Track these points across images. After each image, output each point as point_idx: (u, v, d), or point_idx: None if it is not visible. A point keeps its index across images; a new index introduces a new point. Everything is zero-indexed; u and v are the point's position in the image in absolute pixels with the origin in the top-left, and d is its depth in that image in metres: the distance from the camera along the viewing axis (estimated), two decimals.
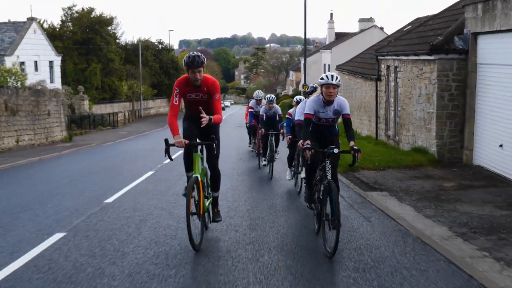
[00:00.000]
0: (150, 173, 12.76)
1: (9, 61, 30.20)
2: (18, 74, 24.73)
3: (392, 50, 17.68)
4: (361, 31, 45.47)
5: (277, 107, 12.95)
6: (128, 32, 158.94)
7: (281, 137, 12.34)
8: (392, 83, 17.87)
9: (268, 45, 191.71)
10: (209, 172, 6.81)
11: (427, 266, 5.62)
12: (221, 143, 6.66)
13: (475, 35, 13.14)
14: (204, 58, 6.31)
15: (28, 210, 8.59)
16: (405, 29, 25.32)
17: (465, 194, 10.00)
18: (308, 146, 6.45)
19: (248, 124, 15.72)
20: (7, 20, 39.22)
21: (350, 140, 6.57)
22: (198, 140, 6.57)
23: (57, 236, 6.75)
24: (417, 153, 14.64)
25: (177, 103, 6.48)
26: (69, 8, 47.24)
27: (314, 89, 9.25)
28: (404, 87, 16.34)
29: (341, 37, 49.45)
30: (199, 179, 6.27)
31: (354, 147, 6.35)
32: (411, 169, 13.06)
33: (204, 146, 6.61)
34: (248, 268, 5.46)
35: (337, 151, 6.40)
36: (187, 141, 6.28)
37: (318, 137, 6.99)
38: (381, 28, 51.49)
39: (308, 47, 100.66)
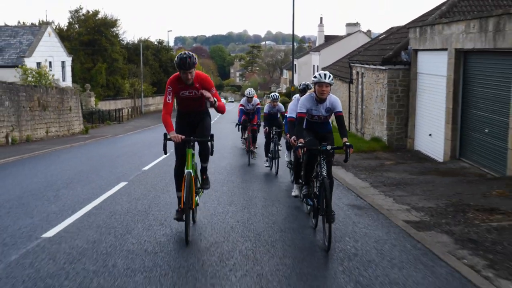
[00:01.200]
0: (167, 155, 17.05)
1: (28, 62, 34.48)
2: (47, 76, 28.98)
3: (360, 59, 22.11)
4: (348, 35, 49.98)
5: (281, 105, 13.32)
6: (127, 30, 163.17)
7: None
8: (360, 86, 22.28)
9: (263, 43, 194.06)
10: (199, 168, 7.34)
11: (342, 197, 9.98)
12: (216, 136, 7.07)
13: (416, 51, 17.54)
14: (195, 59, 6.49)
15: (92, 173, 12.91)
16: (380, 37, 29.77)
17: (395, 167, 14.40)
18: (301, 144, 6.77)
19: (237, 122, 15.34)
20: (16, 22, 43.42)
21: (343, 136, 6.84)
22: (191, 137, 6.83)
23: (122, 183, 11.08)
24: (374, 141, 19.05)
25: (170, 101, 6.69)
26: (76, 11, 51.49)
27: (306, 87, 9.62)
28: (367, 89, 20.75)
29: (330, 39, 53.94)
30: (192, 175, 6.68)
31: (347, 143, 6.68)
32: (366, 153, 17.44)
33: (196, 142, 6.91)
34: (240, 196, 9.80)
35: (330, 148, 6.71)
36: (183, 137, 6.60)
37: (312, 134, 7.30)
38: (369, 31, 56.00)
39: (303, 45, 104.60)
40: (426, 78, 16.87)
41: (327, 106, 7.12)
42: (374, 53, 21.01)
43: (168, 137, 6.61)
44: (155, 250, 6.31)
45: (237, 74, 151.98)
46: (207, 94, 6.63)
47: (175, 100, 6.89)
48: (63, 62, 41.03)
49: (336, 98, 7.19)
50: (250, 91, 15.02)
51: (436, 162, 15.13)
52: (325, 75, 6.86)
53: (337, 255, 6.26)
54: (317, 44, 58.41)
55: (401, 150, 17.90)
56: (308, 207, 7.87)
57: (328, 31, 58.89)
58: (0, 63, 34.72)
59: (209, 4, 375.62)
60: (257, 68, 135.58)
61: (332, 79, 6.90)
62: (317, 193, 6.97)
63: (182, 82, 6.67)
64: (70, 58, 42.44)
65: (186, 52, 6.54)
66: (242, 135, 16.67)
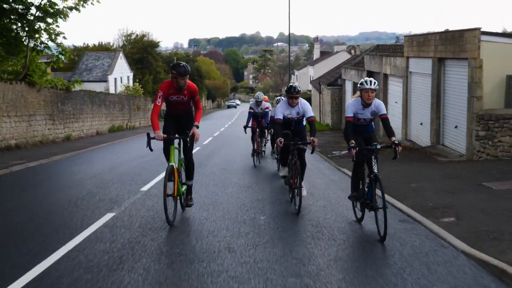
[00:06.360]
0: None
1: (110, 78, 53.40)
2: (139, 90, 47.98)
3: (322, 81, 40.89)
4: (336, 52, 68.17)
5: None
6: (161, 44, 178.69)
7: None
8: (322, 95, 40.87)
9: (275, 44, 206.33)
10: (184, 177, 8.46)
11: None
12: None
13: (344, 80, 36.13)
14: (189, 70, 7.81)
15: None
16: (346, 60, 48.26)
17: (329, 134, 32.92)
18: (353, 145, 7.32)
19: (245, 124, 16.06)
20: (82, 43, 61.67)
21: (391, 136, 7.41)
22: (176, 135, 8.08)
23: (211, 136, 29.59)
24: (326, 126, 37.59)
25: (159, 104, 7.83)
26: (129, 35, 70.67)
27: (289, 88, 9.75)
28: (324, 98, 39.40)
29: (324, 54, 72.30)
30: (175, 167, 7.81)
31: (395, 141, 7.26)
32: (319, 132, 36.05)
33: (181, 140, 8.08)
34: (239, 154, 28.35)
35: (379, 147, 7.36)
36: (165, 135, 7.77)
37: (357, 135, 7.79)
38: (358, 45, 74.10)
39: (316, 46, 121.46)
40: (348, 94, 35.40)
41: (372, 110, 7.74)
42: (328, 78, 39.63)
43: (152, 136, 7.75)
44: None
45: (251, 76, 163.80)
46: (195, 134, 7.98)
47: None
48: (128, 77, 60.01)
49: (381, 102, 7.80)
50: (259, 95, 15.99)
51: None
52: (370, 81, 7.47)
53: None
54: (314, 58, 76.71)
55: (338, 130, 36.42)
56: (286, 182, 10.35)
57: (339, 31, 76.27)
58: (91, 79, 53.75)
59: (222, 5, 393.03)
60: (269, 71, 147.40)
61: (376, 85, 7.51)
62: (366, 189, 7.64)
63: (172, 88, 7.99)
64: (132, 73, 61.46)
65: (182, 62, 8.04)
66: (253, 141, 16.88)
